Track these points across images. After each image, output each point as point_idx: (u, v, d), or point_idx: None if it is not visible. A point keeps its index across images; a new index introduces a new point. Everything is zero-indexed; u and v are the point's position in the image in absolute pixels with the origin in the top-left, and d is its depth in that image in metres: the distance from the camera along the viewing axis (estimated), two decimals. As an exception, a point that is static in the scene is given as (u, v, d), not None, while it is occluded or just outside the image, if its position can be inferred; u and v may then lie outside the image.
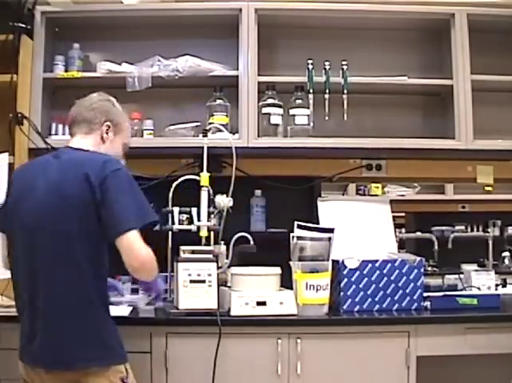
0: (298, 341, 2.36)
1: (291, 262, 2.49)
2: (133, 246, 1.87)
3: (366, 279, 2.54)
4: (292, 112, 2.89)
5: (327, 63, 2.89)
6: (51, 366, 1.90)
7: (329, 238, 2.51)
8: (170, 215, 2.57)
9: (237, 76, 2.85)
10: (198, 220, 2.52)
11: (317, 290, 2.43)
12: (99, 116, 2.11)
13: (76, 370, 1.88)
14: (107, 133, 2.12)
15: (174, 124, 2.92)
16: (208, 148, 2.61)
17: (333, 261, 2.52)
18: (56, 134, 2.91)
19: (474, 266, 3.46)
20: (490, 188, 3.62)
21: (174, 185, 2.64)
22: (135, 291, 2.70)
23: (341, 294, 2.52)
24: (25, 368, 1.99)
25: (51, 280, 1.91)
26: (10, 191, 2.08)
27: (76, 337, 1.90)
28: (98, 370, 1.89)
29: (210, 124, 2.83)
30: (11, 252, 2.04)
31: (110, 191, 1.90)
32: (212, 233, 2.56)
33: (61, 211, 1.91)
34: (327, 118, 2.88)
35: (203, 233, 2.51)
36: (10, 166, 2.72)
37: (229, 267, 2.54)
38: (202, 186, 2.54)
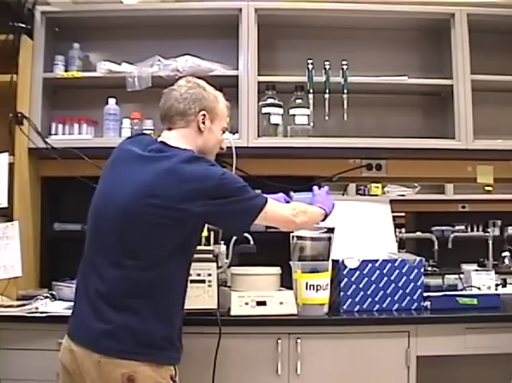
0: (298, 341, 2.36)
1: (291, 262, 2.49)
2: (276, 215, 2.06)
3: (366, 279, 2.54)
4: (292, 112, 2.89)
5: (327, 63, 2.89)
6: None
7: (329, 238, 2.51)
8: (170, 214, 2.57)
9: (237, 76, 2.85)
10: (198, 220, 2.52)
11: (317, 289, 2.43)
12: (192, 106, 2.02)
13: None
14: (203, 123, 2.03)
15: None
16: (208, 147, 2.60)
17: (333, 261, 2.52)
18: (56, 134, 2.91)
19: (474, 266, 3.46)
20: (490, 188, 3.61)
21: (174, 185, 2.64)
22: None
23: (341, 293, 2.52)
24: None
25: None
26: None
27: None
28: (154, 365, 1.87)
29: (210, 123, 2.83)
30: None
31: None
32: (212, 233, 2.56)
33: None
34: (327, 118, 2.88)
35: (203, 233, 2.51)
36: (10, 166, 2.72)
37: (229, 267, 2.54)
38: (203, 186, 2.53)
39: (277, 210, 2.09)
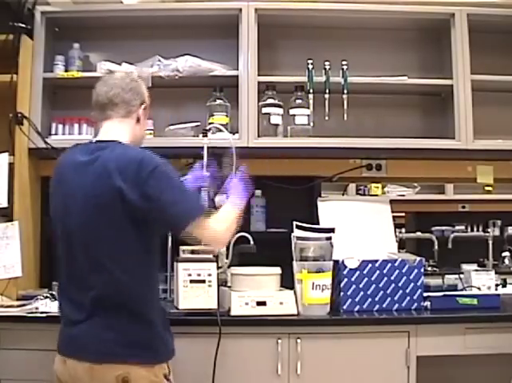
0: (298, 341, 2.36)
1: (294, 262, 2.49)
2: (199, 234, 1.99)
3: (366, 279, 2.54)
4: (292, 112, 2.89)
5: (327, 63, 2.89)
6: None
7: (330, 238, 2.51)
8: (170, 215, 2.56)
9: (237, 77, 2.85)
10: (198, 220, 2.52)
11: (323, 289, 2.44)
12: (137, 97, 2.08)
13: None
14: (144, 115, 2.11)
15: (174, 124, 2.92)
16: (208, 147, 2.61)
17: (333, 261, 2.52)
18: (56, 134, 2.91)
19: (474, 266, 3.46)
20: (490, 188, 3.61)
21: (174, 185, 2.63)
22: None
23: (341, 294, 2.52)
24: None
25: None
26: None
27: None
28: (146, 364, 1.89)
29: (210, 124, 2.84)
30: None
31: (155, 193, 1.88)
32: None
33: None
34: (327, 118, 2.88)
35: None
36: (10, 166, 2.72)
37: (229, 267, 2.54)
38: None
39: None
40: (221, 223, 2.02)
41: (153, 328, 1.93)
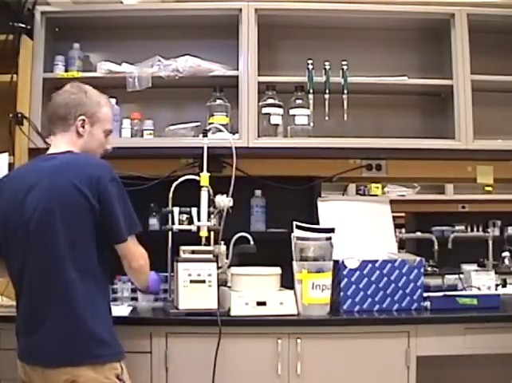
0: (298, 341, 2.36)
1: (294, 262, 2.49)
2: (131, 251, 2.02)
3: (366, 279, 2.54)
4: (292, 112, 2.89)
5: (327, 63, 2.89)
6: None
7: (330, 239, 2.51)
8: (170, 215, 2.57)
9: (237, 77, 2.85)
10: (198, 220, 2.52)
11: (323, 289, 2.44)
12: (72, 111, 2.08)
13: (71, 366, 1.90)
14: (83, 127, 2.08)
15: (174, 124, 2.92)
16: (208, 148, 2.61)
17: (333, 261, 2.52)
18: (56, 134, 2.91)
19: (474, 266, 3.47)
20: (490, 188, 3.62)
21: (174, 185, 2.64)
22: (134, 291, 2.70)
23: (341, 294, 2.52)
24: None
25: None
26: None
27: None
28: (94, 366, 1.90)
29: (210, 124, 2.84)
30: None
31: (108, 202, 1.96)
32: (212, 233, 2.56)
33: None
34: (327, 118, 2.88)
35: (203, 233, 2.51)
36: (10, 166, 2.72)
37: (229, 267, 2.54)
38: (202, 186, 2.54)
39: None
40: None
41: (104, 326, 1.95)
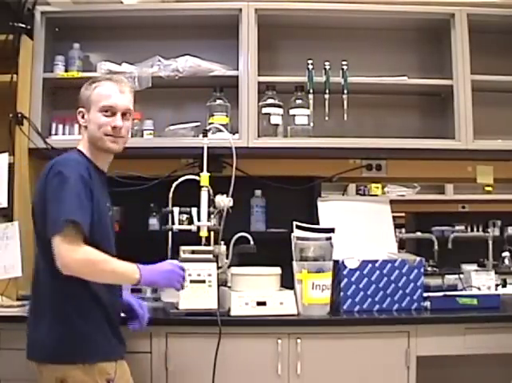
0: (298, 341, 2.36)
1: (294, 262, 2.49)
2: (57, 250, 1.87)
3: (366, 279, 2.54)
4: (292, 112, 2.89)
5: (327, 63, 2.89)
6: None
7: (330, 239, 2.51)
8: (170, 215, 2.57)
9: (237, 77, 2.85)
10: (198, 220, 2.52)
11: (323, 289, 2.44)
12: (77, 110, 2.12)
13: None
14: (83, 118, 2.10)
15: (174, 124, 2.92)
16: (208, 148, 2.61)
17: (333, 261, 2.52)
18: (56, 134, 2.91)
19: (474, 266, 3.46)
20: (490, 188, 3.62)
21: (174, 185, 2.64)
22: (155, 291, 2.73)
23: (341, 294, 2.52)
24: None
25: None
26: None
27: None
28: (84, 366, 1.91)
29: (210, 124, 2.84)
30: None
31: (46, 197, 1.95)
32: (212, 233, 2.56)
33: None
34: (327, 118, 2.88)
35: (203, 233, 2.51)
36: (10, 166, 2.72)
37: (229, 267, 2.54)
38: (202, 186, 2.54)
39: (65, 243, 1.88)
40: (91, 259, 1.90)
41: (93, 325, 1.96)
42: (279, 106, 2.88)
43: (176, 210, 2.56)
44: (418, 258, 2.62)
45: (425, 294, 2.60)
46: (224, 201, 2.55)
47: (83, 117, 2.09)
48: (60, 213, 1.87)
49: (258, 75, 2.84)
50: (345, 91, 2.88)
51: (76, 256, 1.86)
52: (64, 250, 1.86)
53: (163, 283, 2.12)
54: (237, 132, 2.82)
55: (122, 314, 2.17)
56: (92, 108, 2.07)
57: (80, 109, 2.10)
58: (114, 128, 2.06)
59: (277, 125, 2.88)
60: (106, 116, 2.06)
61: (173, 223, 2.56)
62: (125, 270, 1.97)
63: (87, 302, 1.97)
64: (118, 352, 2.03)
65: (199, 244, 2.51)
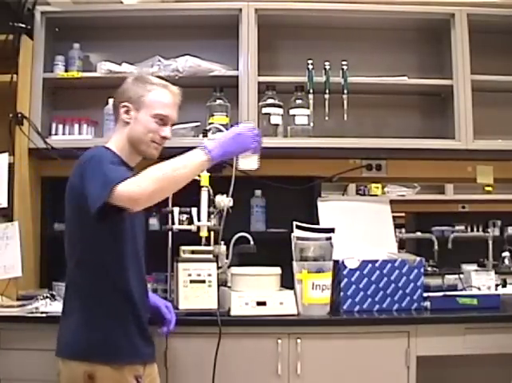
0: (298, 341, 2.36)
1: (294, 262, 2.49)
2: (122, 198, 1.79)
3: (366, 279, 2.54)
4: (292, 112, 2.89)
5: (327, 63, 2.89)
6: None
7: (330, 238, 2.51)
8: (170, 215, 2.57)
9: (237, 77, 2.85)
10: (198, 220, 2.52)
11: (323, 289, 2.44)
12: (117, 100, 2.07)
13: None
14: (127, 113, 2.03)
15: (174, 124, 2.91)
16: (208, 148, 2.60)
17: (333, 261, 2.52)
18: (56, 134, 2.91)
19: (474, 266, 3.46)
20: (490, 188, 3.62)
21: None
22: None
23: (341, 294, 2.52)
24: None
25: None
26: None
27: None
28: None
29: (210, 124, 2.84)
30: None
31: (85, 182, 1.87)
32: (212, 233, 2.56)
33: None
34: (327, 118, 2.88)
35: (203, 233, 2.51)
36: (10, 166, 2.72)
37: (229, 267, 2.54)
38: (202, 186, 2.54)
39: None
40: (142, 181, 1.81)
41: (125, 327, 1.94)
42: (279, 106, 2.88)
43: (176, 210, 2.56)
44: (418, 258, 2.62)
45: (425, 294, 2.60)
46: (224, 201, 2.55)
47: (127, 113, 2.03)
48: (106, 178, 1.80)
49: (258, 75, 2.84)
50: (345, 91, 2.88)
51: (140, 186, 1.79)
52: (127, 191, 1.78)
53: (237, 148, 1.98)
54: (237, 132, 2.81)
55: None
56: (143, 110, 2.03)
57: (126, 104, 2.03)
58: (163, 138, 2.07)
59: (277, 125, 2.88)
60: (157, 123, 2.05)
61: (173, 223, 2.56)
62: (188, 157, 1.90)
63: (118, 302, 1.95)
64: (147, 355, 2.02)
65: (199, 244, 2.51)
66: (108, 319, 1.93)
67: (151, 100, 2.04)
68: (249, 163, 2.17)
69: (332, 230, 2.54)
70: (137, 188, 1.79)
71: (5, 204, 2.68)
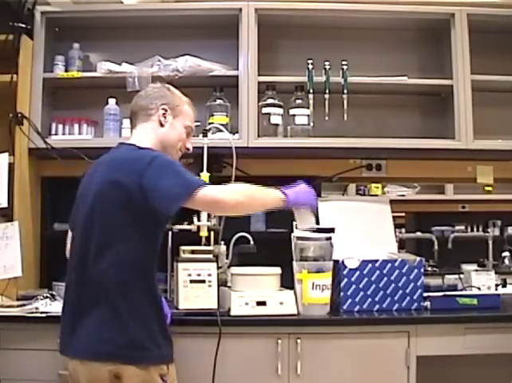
0: (298, 341, 2.36)
1: (294, 262, 2.49)
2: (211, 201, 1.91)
3: (366, 279, 2.54)
4: (292, 112, 2.89)
5: (327, 63, 2.89)
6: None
7: (330, 238, 2.51)
8: (170, 215, 2.57)
9: (237, 77, 2.85)
10: (198, 220, 2.52)
11: (323, 289, 2.44)
12: (154, 102, 2.12)
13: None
14: (164, 116, 2.11)
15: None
16: (208, 147, 2.61)
17: (333, 261, 2.52)
18: (56, 134, 2.91)
19: (474, 266, 3.46)
20: (490, 188, 3.61)
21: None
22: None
23: (341, 294, 2.52)
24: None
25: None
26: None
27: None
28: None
29: (210, 124, 2.84)
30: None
31: (151, 180, 1.89)
32: (212, 233, 2.56)
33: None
34: (327, 118, 2.88)
35: (203, 233, 2.51)
36: (10, 166, 2.72)
37: (229, 267, 2.54)
38: (203, 186, 2.54)
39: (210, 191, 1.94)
40: (231, 191, 1.97)
41: (149, 328, 1.93)
42: (279, 106, 2.88)
43: (176, 210, 2.56)
44: (418, 258, 2.62)
45: (425, 294, 2.60)
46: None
47: (164, 116, 2.11)
48: (184, 180, 1.90)
49: (258, 75, 2.84)
50: (345, 91, 2.88)
51: (229, 194, 1.93)
52: (215, 195, 1.91)
53: (305, 201, 2.20)
54: (237, 132, 2.82)
55: None
56: (179, 119, 2.14)
57: (166, 107, 2.12)
58: (187, 149, 2.20)
59: (277, 125, 2.88)
60: (185, 134, 2.17)
61: (173, 223, 2.56)
62: (270, 191, 2.07)
63: (145, 302, 1.95)
64: (170, 355, 2.00)
65: (199, 244, 2.52)
66: (133, 319, 1.90)
67: (186, 111, 2.18)
68: (308, 222, 2.32)
69: (332, 230, 2.54)
70: (225, 195, 1.93)
71: (5, 204, 2.68)
